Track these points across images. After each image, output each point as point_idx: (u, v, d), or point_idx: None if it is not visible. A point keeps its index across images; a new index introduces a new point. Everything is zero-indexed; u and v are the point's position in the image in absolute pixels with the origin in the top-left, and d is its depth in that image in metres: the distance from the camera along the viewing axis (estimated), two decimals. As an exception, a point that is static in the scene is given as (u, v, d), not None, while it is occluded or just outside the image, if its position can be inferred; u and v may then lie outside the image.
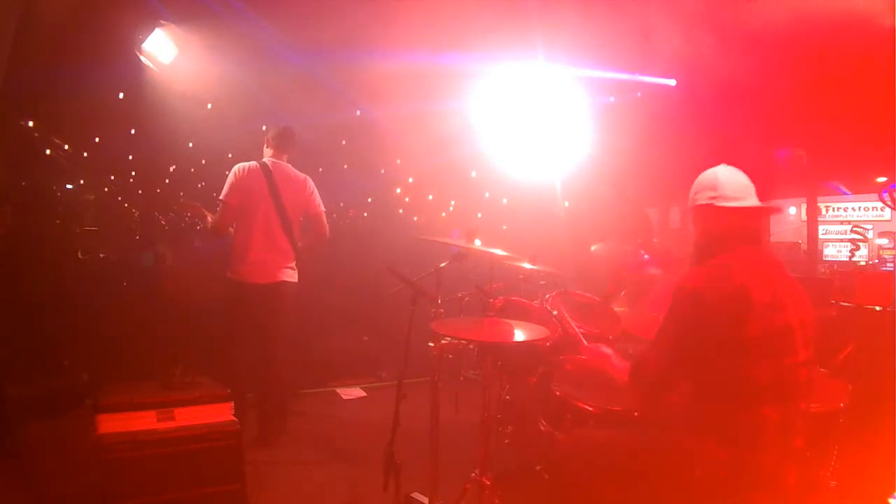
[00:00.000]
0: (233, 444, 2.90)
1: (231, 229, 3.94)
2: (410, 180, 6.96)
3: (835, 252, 11.52)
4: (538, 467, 2.90)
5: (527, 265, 3.05)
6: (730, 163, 2.12)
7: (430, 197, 7.08)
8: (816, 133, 5.50)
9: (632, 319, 3.38)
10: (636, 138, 5.47)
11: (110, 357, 4.28)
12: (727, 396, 1.89)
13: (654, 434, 2.16)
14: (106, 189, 6.20)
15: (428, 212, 7.01)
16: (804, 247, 8.45)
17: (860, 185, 9.33)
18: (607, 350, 2.41)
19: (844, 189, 9.52)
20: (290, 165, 4.02)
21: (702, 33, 4.24)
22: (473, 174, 6.64)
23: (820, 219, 10.37)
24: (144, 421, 2.78)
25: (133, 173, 6.20)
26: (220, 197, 3.83)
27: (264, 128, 4.14)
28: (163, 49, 4.42)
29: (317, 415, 4.75)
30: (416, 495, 2.88)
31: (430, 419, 2.77)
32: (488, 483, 2.53)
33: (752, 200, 2.05)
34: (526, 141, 5.21)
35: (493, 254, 2.61)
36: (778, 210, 2.08)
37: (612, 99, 6.00)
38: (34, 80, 4.36)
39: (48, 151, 5.18)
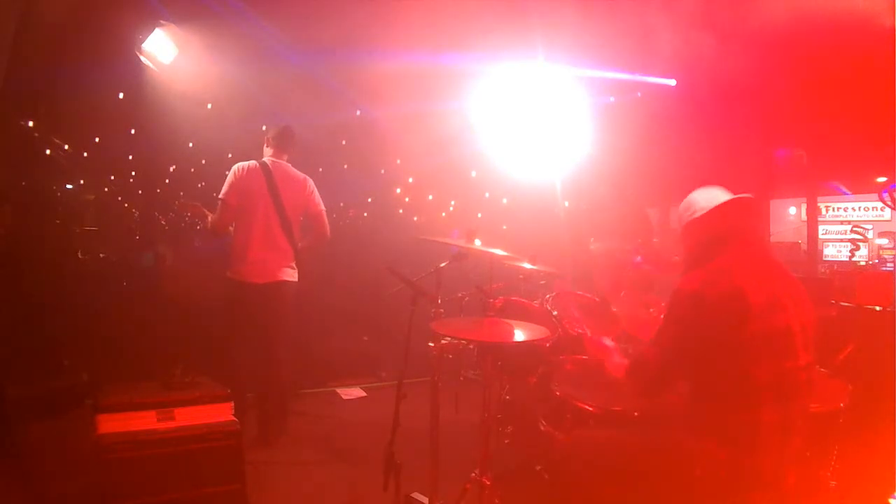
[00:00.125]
0: (233, 444, 2.90)
1: (231, 229, 3.94)
2: (410, 180, 6.96)
3: (835, 252, 11.50)
4: (538, 467, 2.90)
5: (527, 265, 3.05)
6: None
7: (430, 197, 7.08)
8: (816, 133, 5.49)
9: (632, 319, 3.37)
10: (636, 138, 5.47)
11: (110, 357, 4.28)
12: (726, 397, 1.90)
13: (654, 434, 2.16)
14: (106, 189, 6.20)
15: (428, 212, 7.01)
16: (804, 247, 8.44)
17: (860, 185, 9.32)
18: (610, 343, 2.42)
19: (844, 189, 9.50)
20: (290, 165, 4.02)
21: (702, 33, 4.24)
22: (473, 174, 6.64)
23: (820, 219, 10.36)
24: (144, 421, 2.78)
25: (133, 173, 6.20)
26: (220, 196, 3.83)
27: (264, 128, 4.14)
28: (163, 49, 4.42)
29: (317, 415, 4.74)
30: (416, 495, 2.87)
31: (430, 419, 2.76)
32: (488, 483, 2.53)
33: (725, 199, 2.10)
34: (526, 141, 5.21)
35: (493, 254, 2.61)
36: (750, 200, 2.09)
37: (612, 99, 6.00)
38: (34, 80, 4.36)
39: (48, 151, 5.18)
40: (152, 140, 5.50)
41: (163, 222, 6.18)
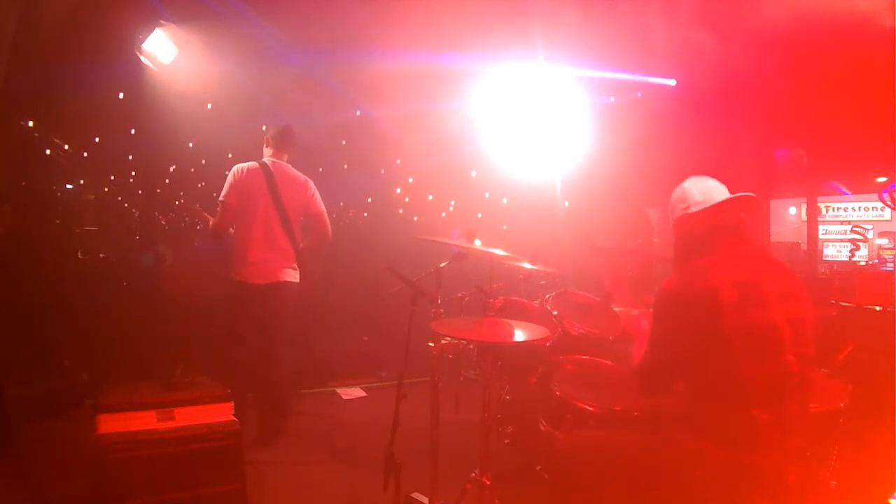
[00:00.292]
0: (233, 444, 2.90)
1: (231, 231, 3.93)
2: (410, 180, 6.97)
3: (835, 252, 11.49)
4: (538, 467, 2.90)
5: (527, 265, 3.05)
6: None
7: (430, 197, 7.08)
8: (816, 133, 5.49)
9: (631, 319, 3.37)
10: (636, 138, 5.47)
11: (110, 357, 4.29)
12: (718, 397, 1.91)
13: (654, 434, 2.16)
14: (106, 189, 6.21)
15: (428, 212, 7.02)
16: (804, 247, 8.43)
17: (860, 185, 9.32)
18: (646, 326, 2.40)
19: (844, 189, 9.51)
20: (290, 165, 4.01)
21: (702, 33, 4.24)
22: (473, 174, 6.64)
23: (820, 219, 10.35)
24: (144, 421, 2.77)
25: (133, 173, 6.21)
26: (220, 198, 3.83)
27: (264, 128, 4.13)
28: (163, 49, 4.42)
29: (317, 415, 4.74)
30: (416, 495, 2.87)
31: (430, 419, 2.76)
32: (488, 483, 2.52)
33: (722, 198, 2.09)
34: (526, 141, 5.21)
35: (493, 254, 2.61)
36: (749, 200, 2.08)
37: (612, 99, 6.00)
38: (34, 80, 4.36)
39: (48, 151, 5.19)
40: (152, 140, 5.50)
41: (163, 222, 6.18)
